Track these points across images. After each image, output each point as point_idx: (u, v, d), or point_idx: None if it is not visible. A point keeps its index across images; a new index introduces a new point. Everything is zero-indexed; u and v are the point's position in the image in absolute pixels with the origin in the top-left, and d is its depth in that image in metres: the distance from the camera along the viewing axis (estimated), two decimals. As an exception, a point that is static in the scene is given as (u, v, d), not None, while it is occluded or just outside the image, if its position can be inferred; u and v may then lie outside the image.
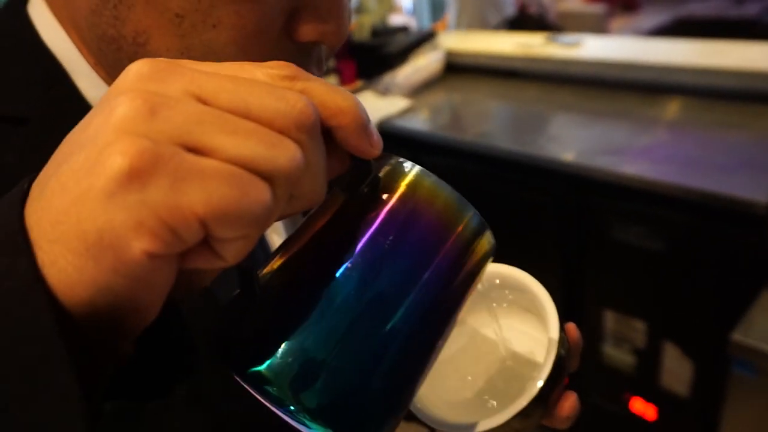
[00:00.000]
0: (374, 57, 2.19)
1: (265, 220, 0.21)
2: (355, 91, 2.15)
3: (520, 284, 0.41)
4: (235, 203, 0.20)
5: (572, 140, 1.61)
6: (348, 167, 0.27)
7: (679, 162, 1.38)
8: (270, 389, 0.23)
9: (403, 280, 0.25)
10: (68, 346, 0.19)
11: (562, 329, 0.39)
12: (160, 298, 0.22)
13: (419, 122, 1.88)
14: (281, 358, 0.23)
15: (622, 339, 1.53)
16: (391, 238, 0.25)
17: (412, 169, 0.27)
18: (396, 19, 3.73)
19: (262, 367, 0.23)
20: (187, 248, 0.20)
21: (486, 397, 0.42)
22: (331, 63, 2.35)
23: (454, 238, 0.27)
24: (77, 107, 0.39)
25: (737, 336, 1.13)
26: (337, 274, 0.24)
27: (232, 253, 0.21)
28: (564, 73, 1.98)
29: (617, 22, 4.01)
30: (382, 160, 0.27)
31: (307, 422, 0.23)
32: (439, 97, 2.10)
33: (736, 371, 1.18)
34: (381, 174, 0.27)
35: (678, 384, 1.45)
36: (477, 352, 0.44)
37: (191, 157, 0.20)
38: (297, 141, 0.22)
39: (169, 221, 0.19)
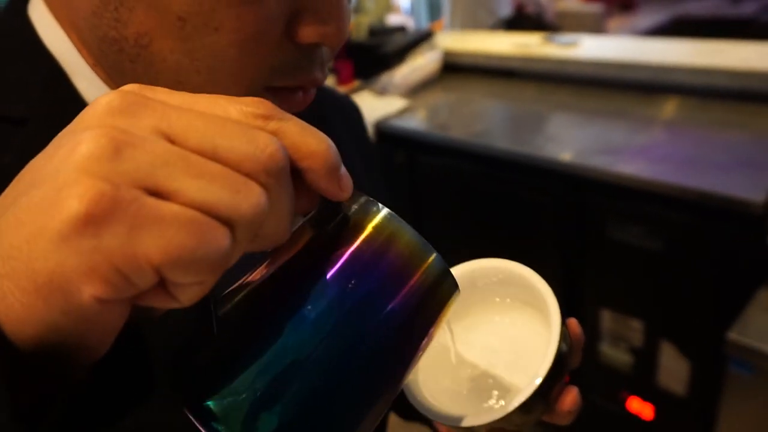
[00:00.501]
0: (371, 57, 2.19)
1: (222, 266, 0.21)
2: (352, 91, 2.15)
3: (521, 279, 0.41)
4: (191, 251, 0.20)
5: (570, 140, 1.61)
6: (316, 205, 0.27)
7: (676, 161, 1.38)
8: (217, 426, 0.23)
9: (362, 321, 0.25)
10: (8, 385, 0.19)
11: (563, 324, 0.39)
12: (110, 337, 0.22)
13: (417, 122, 1.88)
14: (232, 394, 0.23)
15: (619, 338, 1.53)
16: (353, 278, 0.25)
17: (380, 211, 0.27)
18: (394, 19, 3.72)
19: (212, 402, 0.23)
20: (140, 292, 0.20)
21: (487, 390, 0.42)
22: (329, 63, 2.35)
23: (415, 281, 0.27)
24: (76, 108, 0.39)
25: (734, 335, 1.13)
26: (297, 311, 0.24)
27: (188, 297, 0.21)
28: (561, 73, 1.98)
29: (614, 21, 4.01)
30: (352, 198, 0.27)
31: None
32: (436, 97, 2.10)
33: (732, 370, 1.18)
34: (350, 213, 0.27)
35: (675, 383, 1.45)
36: (479, 345, 0.44)
37: (151, 202, 0.20)
38: (264, 185, 0.22)
39: (123, 268, 0.19)
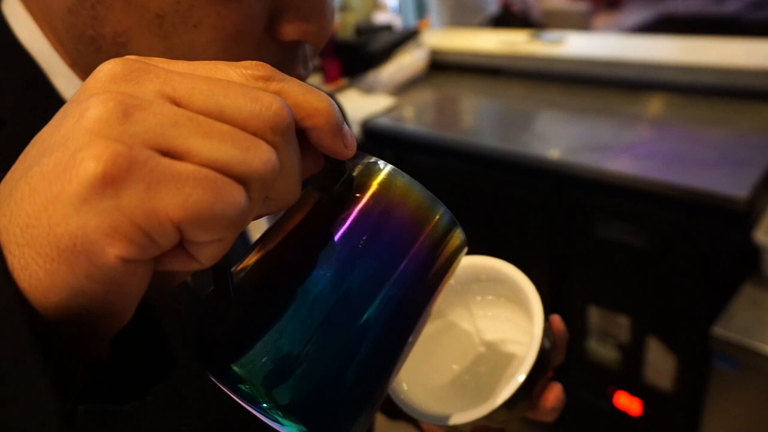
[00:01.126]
0: (358, 55, 2.18)
1: (240, 223, 0.21)
2: (339, 89, 2.15)
3: (504, 276, 0.41)
4: (210, 207, 0.20)
5: (557, 137, 1.61)
6: (322, 167, 0.27)
7: (661, 158, 1.39)
8: (243, 387, 0.23)
9: (375, 278, 0.25)
10: (42, 349, 0.19)
11: (546, 320, 0.39)
12: (135, 300, 0.22)
13: (403, 120, 1.88)
14: (254, 356, 0.23)
15: (606, 334, 1.54)
16: (363, 236, 0.26)
17: (384, 168, 0.27)
18: (381, 17, 3.72)
19: (236, 366, 0.23)
20: (162, 252, 0.20)
21: (471, 388, 0.42)
22: (315, 62, 2.34)
23: (425, 235, 0.27)
24: (55, 108, 0.38)
25: (718, 330, 1.14)
26: (311, 273, 0.25)
27: (208, 256, 0.21)
28: (548, 71, 1.99)
29: (601, 19, 4.03)
30: (355, 159, 0.27)
31: (280, 419, 0.24)
32: (423, 95, 2.10)
33: (717, 365, 1.19)
34: (354, 173, 0.27)
35: (661, 378, 1.46)
36: (462, 343, 0.44)
37: (166, 161, 0.19)
38: (271, 143, 0.22)
39: (144, 226, 0.19)
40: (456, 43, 2.28)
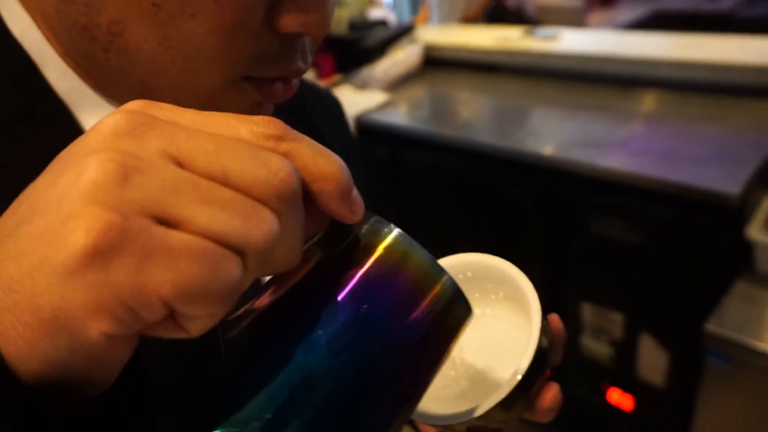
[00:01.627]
0: (352, 51, 2.17)
1: (234, 296, 0.20)
2: (333, 84, 2.14)
3: (502, 274, 0.41)
4: (203, 283, 0.19)
5: (551, 134, 1.61)
6: (327, 227, 0.26)
7: (655, 155, 1.39)
8: None
9: (373, 348, 0.25)
10: (18, 413, 0.19)
11: (544, 318, 0.38)
12: (118, 369, 0.21)
13: (397, 116, 1.87)
14: (242, 421, 0.22)
15: (600, 331, 1.55)
16: (364, 303, 0.25)
17: (390, 232, 0.26)
18: (376, 13, 3.71)
19: (222, 430, 0.22)
20: (148, 325, 0.20)
21: (467, 387, 0.42)
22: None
23: (427, 305, 0.26)
24: (48, 101, 0.38)
25: (711, 326, 1.15)
26: (306, 337, 0.24)
27: (197, 328, 0.20)
28: (542, 67, 1.99)
29: (595, 16, 4.04)
30: (362, 219, 0.26)
31: None
32: (417, 91, 2.09)
33: (710, 361, 1.20)
34: (360, 234, 0.26)
35: (654, 374, 1.47)
36: (460, 342, 0.44)
37: (161, 232, 0.19)
38: (275, 210, 0.21)
39: (131, 303, 0.18)
40: (450, 38, 2.28)
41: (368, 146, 1.88)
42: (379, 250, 0.26)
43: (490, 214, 1.68)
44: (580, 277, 1.55)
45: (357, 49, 2.17)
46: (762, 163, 1.27)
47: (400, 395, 0.26)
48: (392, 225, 0.27)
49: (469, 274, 0.43)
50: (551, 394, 0.39)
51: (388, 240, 0.26)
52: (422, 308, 0.26)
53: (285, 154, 0.23)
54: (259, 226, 0.20)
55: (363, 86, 2.06)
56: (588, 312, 1.54)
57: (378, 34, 2.22)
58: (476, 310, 0.44)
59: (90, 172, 0.19)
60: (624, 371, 1.53)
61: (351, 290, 0.25)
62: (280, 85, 0.38)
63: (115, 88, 0.38)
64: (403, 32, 2.25)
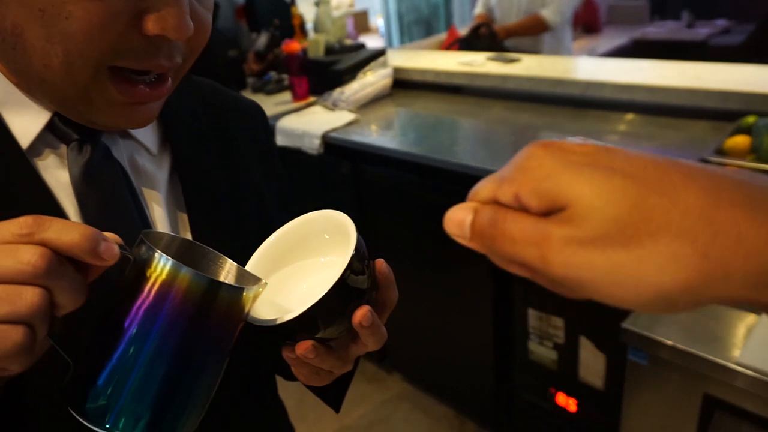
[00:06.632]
0: (326, 74, 2.29)
1: (28, 351, 0.34)
2: (307, 105, 2.25)
3: (337, 221, 0.49)
4: None
5: (506, 153, 1.71)
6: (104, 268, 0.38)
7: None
8: (103, 421, 0.38)
9: (167, 341, 0.39)
10: None
11: (357, 250, 0.45)
12: None
13: (362, 134, 1.97)
14: (99, 394, 0.38)
15: (544, 336, 1.61)
16: (150, 311, 0.39)
17: (155, 254, 0.39)
18: (371, 41, 3.83)
19: (89, 403, 0.38)
20: None
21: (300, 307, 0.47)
22: (286, 80, 2.45)
23: (182, 293, 0.39)
24: None
25: (627, 324, 1.21)
26: (120, 339, 0.38)
27: (9, 374, 0.34)
28: (502, 89, 2.10)
29: (578, 43, 4.13)
30: (139, 247, 0.40)
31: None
32: (385, 111, 2.20)
33: (631, 359, 1.26)
34: (138, 259, 0.39)
35: (593, 377, 1.53)
36: (308, 278, 0.52)
37: None
38: (41, 285, 0.33)
39: None
40: (418, 62, 2.40)
41: (333, 161, 1.98)
42: (152, 268, 0.39)
43: (443, 229, 1.75)
44: (524, 285, 1.62)
45: (330, 72, 2.28)
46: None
47: (189, 356, 0.41)
48: (158, 251, 0.39)
49: (319, 227, 0.51)
50: (360, 312, 0.45)
51: (155, 261, 0.39)
52: (179, 296, 0.39)
53: (40, 242, 0.34)
54: (22, 304, 0.33)
55: (333, 107, 2.17)
56: (533, 318, 1.61)
57: (350, 59, 2.33)
58: (320, 258, 0.52)
59: None
60: (568, 374, 1.60)
61: (136, 296, 0.39)
62: (144, 87, 0.48)
63: (29, 83, 0.48)
64: (375, 56, 2.36)
